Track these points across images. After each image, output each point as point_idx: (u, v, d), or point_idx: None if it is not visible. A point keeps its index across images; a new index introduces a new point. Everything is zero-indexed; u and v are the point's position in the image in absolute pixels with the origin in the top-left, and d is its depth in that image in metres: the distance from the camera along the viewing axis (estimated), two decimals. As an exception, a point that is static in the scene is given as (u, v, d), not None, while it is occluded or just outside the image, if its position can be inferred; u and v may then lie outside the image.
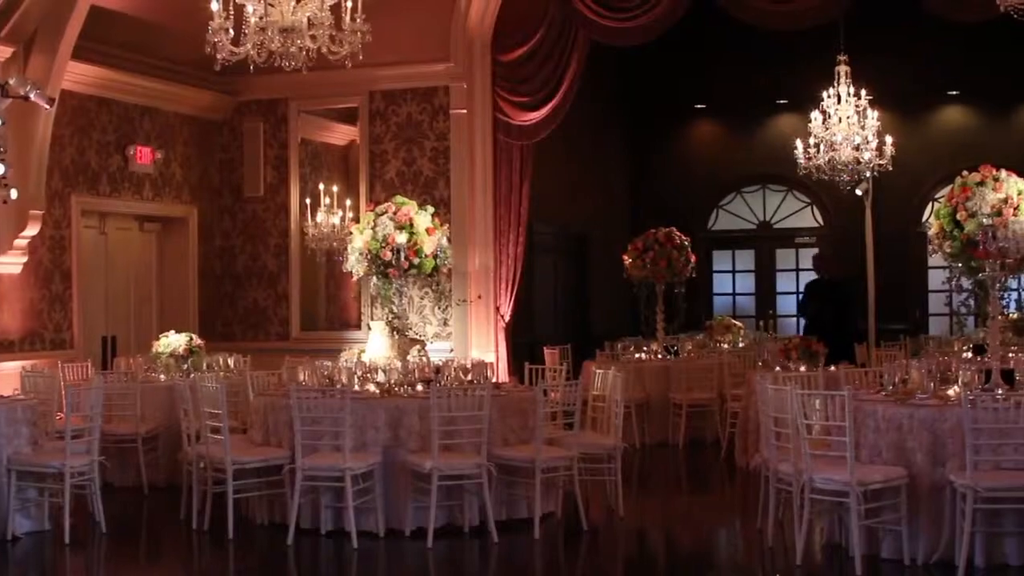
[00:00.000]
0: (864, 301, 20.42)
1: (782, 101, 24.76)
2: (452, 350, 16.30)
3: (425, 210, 11.96)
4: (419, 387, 11.36)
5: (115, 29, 15.80)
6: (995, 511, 9.14)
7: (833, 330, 16.86)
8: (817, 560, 10.08)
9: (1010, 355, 11.18)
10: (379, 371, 11.70)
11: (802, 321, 19.79)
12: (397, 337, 12.22)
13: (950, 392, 9.81)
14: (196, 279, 17.91)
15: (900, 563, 9.45)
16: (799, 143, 17.54)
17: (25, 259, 15.03)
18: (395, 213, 11.73)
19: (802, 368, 13.68)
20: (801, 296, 20.34)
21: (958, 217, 9.79)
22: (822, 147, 17.38)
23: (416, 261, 11.67)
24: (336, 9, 10.54)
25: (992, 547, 9.30)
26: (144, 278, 17.60)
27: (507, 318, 17.19)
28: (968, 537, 9.03)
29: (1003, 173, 9.94)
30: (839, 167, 17.38)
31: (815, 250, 24.65)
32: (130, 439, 13.20)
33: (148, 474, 13.24)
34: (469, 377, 11.74)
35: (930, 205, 23.67)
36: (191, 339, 14.08)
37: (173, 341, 14.00)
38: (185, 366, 13.85)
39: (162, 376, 13.90)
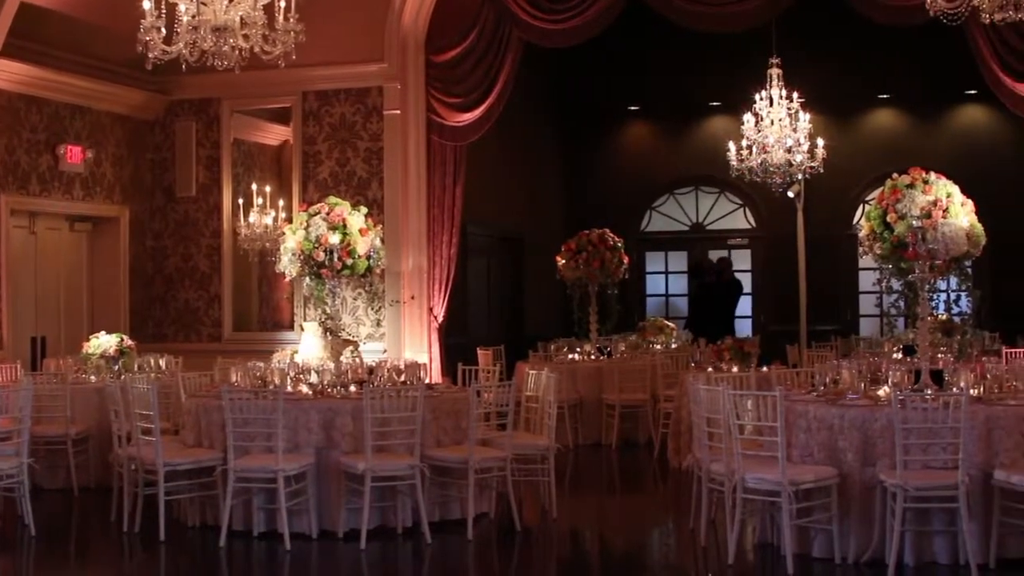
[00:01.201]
0: (796, 302, 20.62)
1: (715, 103, 24.88)
2: (385, 351, 16.27)
3: (358, 211, 11.92)
4: (352, 388, 11.34)
5: (45, 27, 15.65)
6: (924, 510, 9.24)
7: (713, 321, 20.01)
8: (749, 559, 10.14)
9: (939, 356, 11.31)
10: (312, 372, 11.67)
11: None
12: (330, 338, 12.17)
13: (880, 392, 9.90)
14: (127, 279, 17.77)
15: (831, 562, 9.53)
16: (732, 145, 17.65)
17: (-47, 259, 14.89)
18: (328, 214, 11.69)
19: (734, 369, 13.77)
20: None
21: (888, 219, 9.86)
22: (754, 149, 17.49)
23: (349, 262, 11.63)
24: (269, 8, 10.50)
25: (921, 546, 9.40)
26: (74, 278, 17.44)
27: (440, 319, 17.18)
28: (898, 536, 9.13)
29: (932, 175, 10.02)
30: (771, 169, 17.49)
31: (748, 251, 24.99)
32: (60, 441, 13.08)
33: (78, 476, 13.11)
34: (402, 378, 11.72)
35: (861, 207, 23.87)
36: (122, 340, 13.98)
37: (104, 342, 13.89)
38: (116, 367, 13.75)
39: (92, 377, 13.78)
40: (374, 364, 12.06)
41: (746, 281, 24.23)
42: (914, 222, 9.70)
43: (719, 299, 22.12)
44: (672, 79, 24.51)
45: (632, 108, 26.08)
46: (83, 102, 16.92)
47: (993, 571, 9.19)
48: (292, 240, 11.76)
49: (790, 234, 21.08)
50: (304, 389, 11.41)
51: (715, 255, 24.75)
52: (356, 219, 11.78)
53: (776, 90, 17.57)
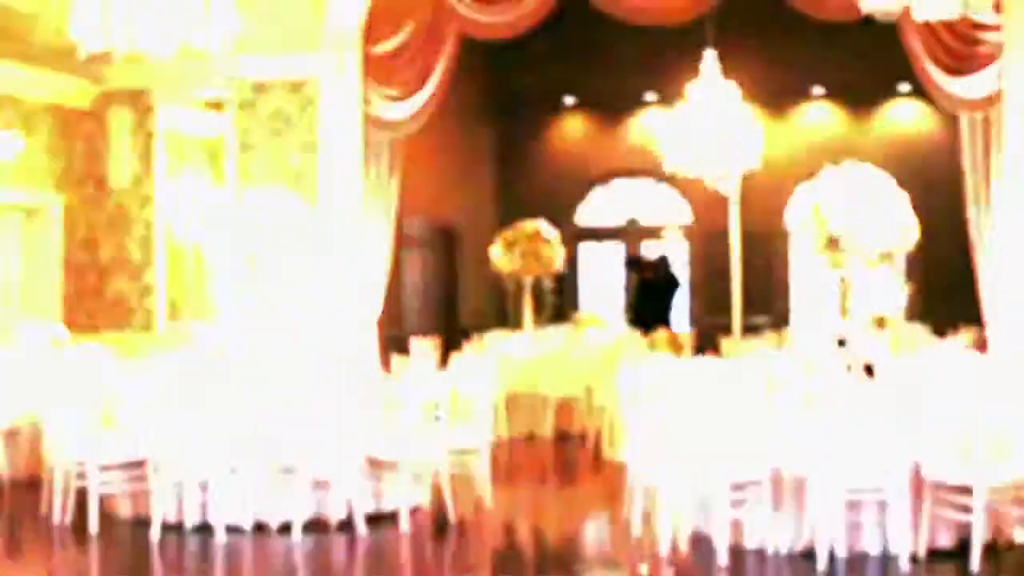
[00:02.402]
0: (730, 295, 20.72)
1: (651, 97, 24.96)
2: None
3: (294, 202, 11.90)
4: (287, 380, 11.31)
5: (-25, 14, 15.50)
6: (856, 502, 9.32)
7: (652, 316, 20.63)
8: (683, 551, 10.18)
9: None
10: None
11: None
12: (265, 329, 12.15)
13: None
14: (60, 270, 17.60)
15: (764, 553, 9.60)
16: (667, 138, 17.68)
17: None
18: (263, 204, 11.66)
19: (669, 361, 13.83)
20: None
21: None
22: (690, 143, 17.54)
23: (285, 253, 11.62)
24: (205, -3, 10.44)
25: (853, 537, 9.48)
26: (5, 268, 17.27)
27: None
28: (829, 527, 9.21)
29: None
30: (706, 163, 17.56)
31: (686, 243, 25.14)
32: (-10, 433, 12.98)
33: (9, 468, 13.01)
34: (337, 369, 11.70)
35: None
36: (55, 331, 13.86)
37: (36, 333, 13.77)
38: (48, 358, 13.64)
39: (24, 368, 13.67)
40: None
41: (680, 274, 24.33)
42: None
43: (658, 295, 22.15)
44: (608, 72, 24.55)
45: (568, 100, 26.11)
46: (14, 90, 16.73)
47: (923, 561, 9.31)
48: (227, 231, 11.72)
49: (724, 227, 21.17)
50: (238, 381, 11.37)
51: (651, 248, 24.85)
52: (291, 210, 11.75)
53: (712, 84, 17.64)
